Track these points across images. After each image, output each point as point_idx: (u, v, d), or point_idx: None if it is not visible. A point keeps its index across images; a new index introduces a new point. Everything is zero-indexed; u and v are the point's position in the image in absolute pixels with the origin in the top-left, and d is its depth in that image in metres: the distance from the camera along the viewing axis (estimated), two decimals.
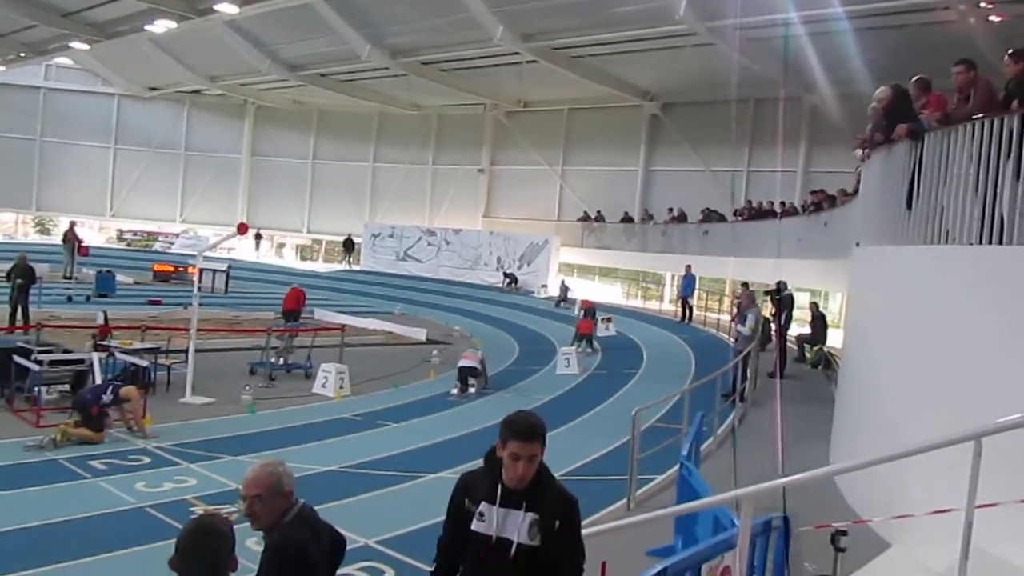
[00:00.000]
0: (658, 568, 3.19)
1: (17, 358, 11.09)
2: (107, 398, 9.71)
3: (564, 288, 27.68)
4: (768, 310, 17.83)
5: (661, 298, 29.96)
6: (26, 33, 31.90)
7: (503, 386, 14.70)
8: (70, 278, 25.81)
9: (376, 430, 11.12)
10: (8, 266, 18.17)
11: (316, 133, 41.34)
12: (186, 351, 12.60)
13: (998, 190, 5.99)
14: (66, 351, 11.89)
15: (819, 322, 16.84)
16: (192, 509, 7.15)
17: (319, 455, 9.49)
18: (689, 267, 23.63)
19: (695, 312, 23.79)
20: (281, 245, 45.91)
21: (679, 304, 24.28)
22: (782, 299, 14.81)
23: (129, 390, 9.97)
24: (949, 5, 17.93)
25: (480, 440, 10.14)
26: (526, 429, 2.93)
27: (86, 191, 41.05)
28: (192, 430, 10.34)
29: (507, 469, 2.96)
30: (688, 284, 23.62)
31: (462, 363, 14.07)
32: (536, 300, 29.10)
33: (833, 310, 25.01)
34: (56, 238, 33.77)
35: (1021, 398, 5.07)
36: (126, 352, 12.08)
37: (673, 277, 28.50)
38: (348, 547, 3.26)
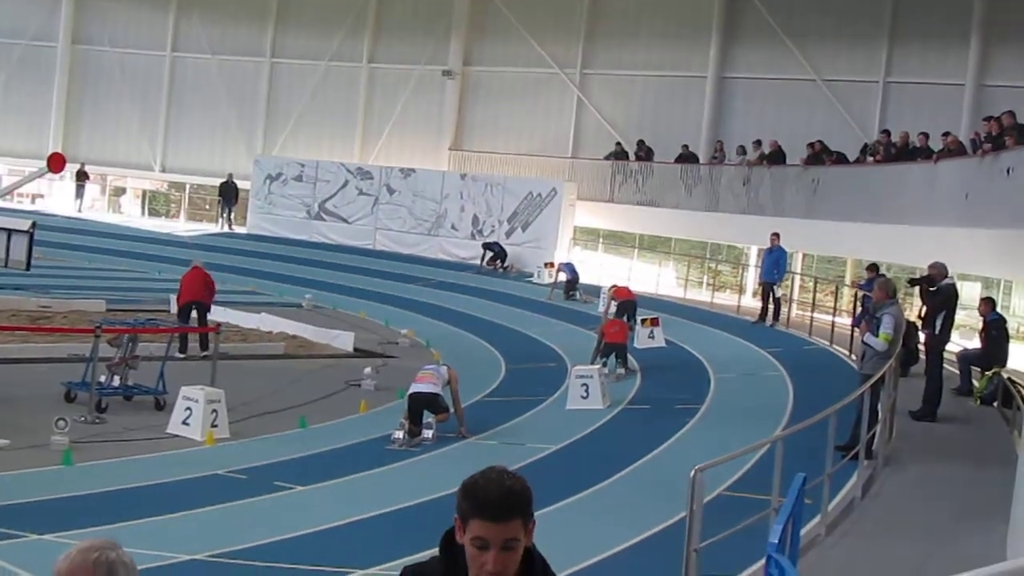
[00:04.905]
0: None
1: None
2: None
3: (571, 271, 27.76)
4: (915, 311, 17.87)
5: (742, 288, 30.09)
6: None
7: (481, 428, 14.75)
8: None
9: (270, 496, 11.14)
10: None
11: (178, 9, 41.08)
12: None
13: None
14: None
15: (995, 332, 16.96)
16: None
17: (176, 535, 9.49)
18: (776, 237, 23.85)
19: (783, 308, 24.19)
20: (119, 191, 45.67)
21: (761, 295, 24.70)
22: (938, 293, 14.91)
23: None
24: None
25: (438, 515, 10.15)
26: (497, 499, 2.89)
27: None
28: None
29: (472, 564, 2.94)
30: (773, 263, 23.89)
31: (415, 388, 14.14)
32: (535, 288, 29.24)
33: (1019, 312, 25.08)
34: None
35: None
36: None
37: (761, 253, 28.63)
38: None
